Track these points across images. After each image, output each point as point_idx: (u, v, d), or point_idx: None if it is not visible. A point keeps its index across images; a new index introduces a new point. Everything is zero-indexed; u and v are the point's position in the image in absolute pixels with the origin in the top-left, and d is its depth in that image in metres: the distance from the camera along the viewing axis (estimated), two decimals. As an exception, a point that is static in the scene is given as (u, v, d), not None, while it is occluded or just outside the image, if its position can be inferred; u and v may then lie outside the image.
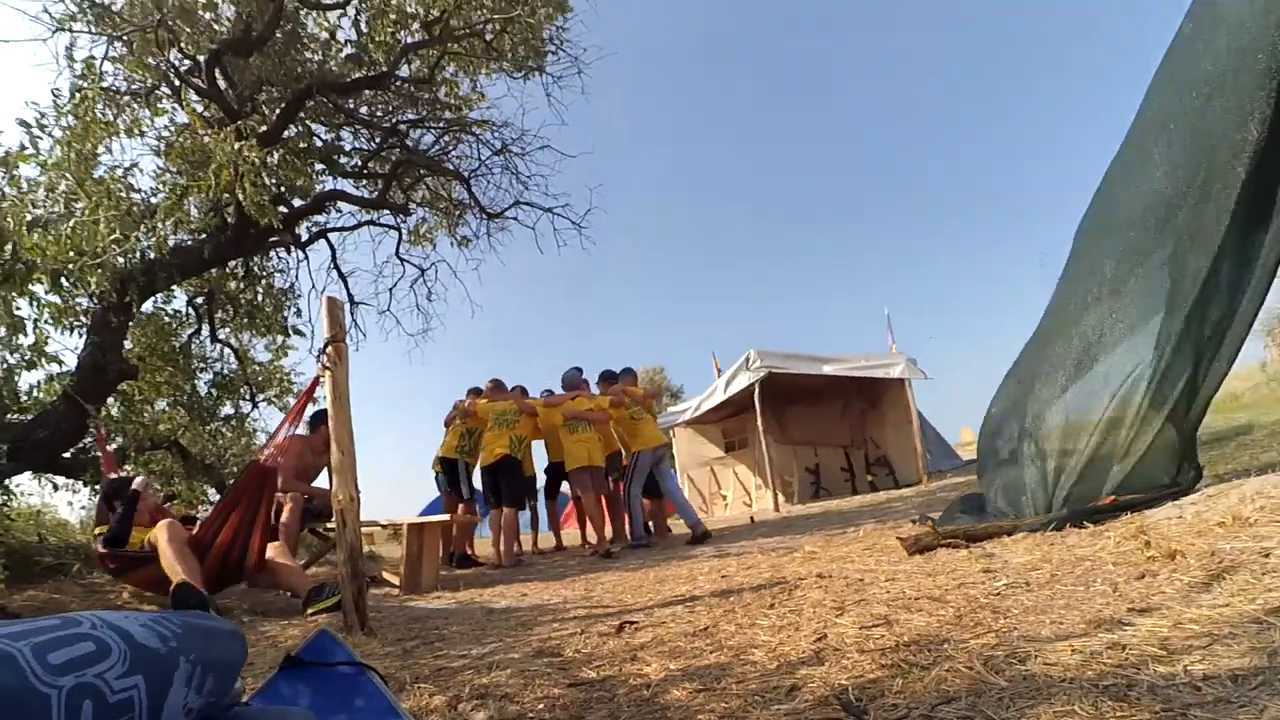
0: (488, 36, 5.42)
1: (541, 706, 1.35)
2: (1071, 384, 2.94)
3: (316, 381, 2.86)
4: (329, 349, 2.42)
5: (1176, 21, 2.52)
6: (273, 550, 3.21)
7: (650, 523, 6.16)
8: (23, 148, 3.80)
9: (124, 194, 4.27)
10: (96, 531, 3.32)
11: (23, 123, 3.96)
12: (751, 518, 7.63)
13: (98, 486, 5.58)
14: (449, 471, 5.64)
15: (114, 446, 5.22)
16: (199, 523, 3.15)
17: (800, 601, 2.00)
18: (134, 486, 3.42)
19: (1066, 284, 3.14)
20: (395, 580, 3.98)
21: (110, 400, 5.42)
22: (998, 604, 1.57)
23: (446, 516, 4.60)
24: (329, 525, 4.04)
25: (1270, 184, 2.21)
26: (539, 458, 6.26)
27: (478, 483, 5.71)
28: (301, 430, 4.38)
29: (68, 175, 4.00)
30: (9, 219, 3.40)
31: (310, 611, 2.89)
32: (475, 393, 5.92)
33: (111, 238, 3.36)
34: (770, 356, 8.76)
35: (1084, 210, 3.06)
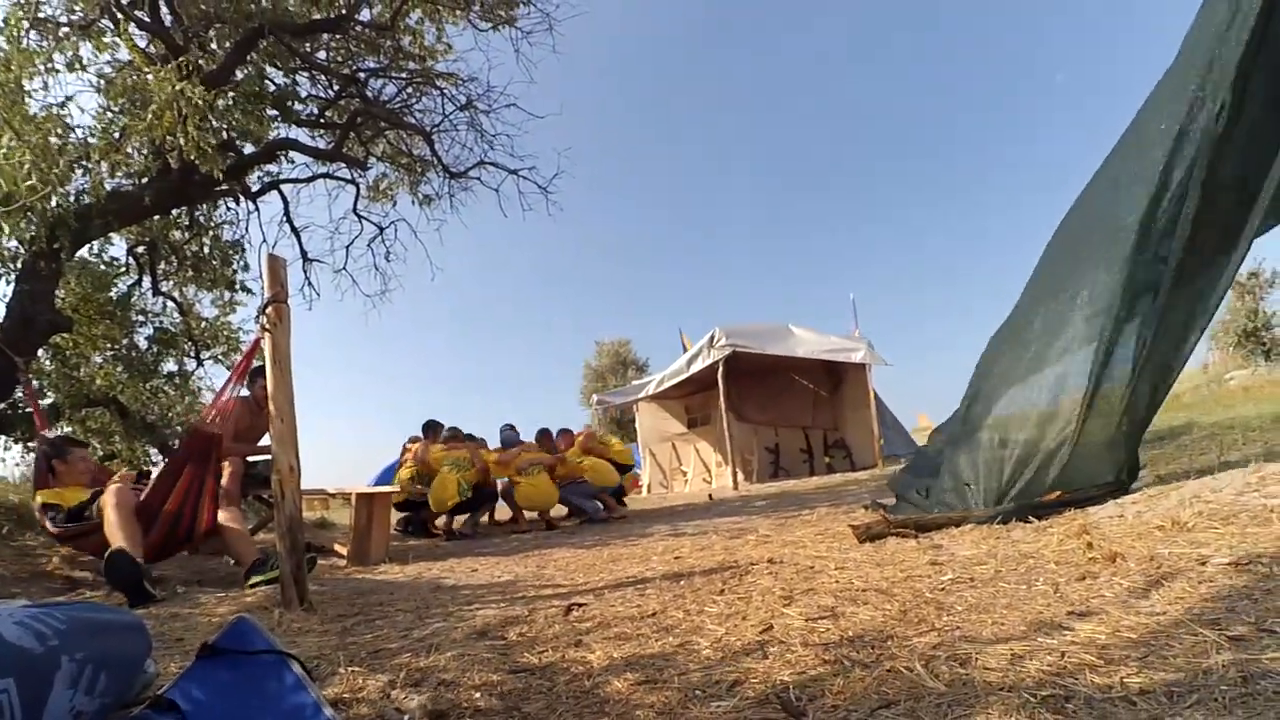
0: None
1: (478, 695, 1.30)
2: (1027, 376, 2.99)
3: (258, 343, 2.71)
4: (269, 309, 2.28)
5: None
6: (225, 515, 3.11)
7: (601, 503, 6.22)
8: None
9: (59, 133, 3.95)
10: (39, 500, 3.18)
11: None
12: (710, 495, 7.71)
13: (30, 444, 5.30)
14: (411, 509, 5.69)
15: (45, 402, 4.95)
16: (147, 488, 3.01)
17: (750, 588, 1.99)
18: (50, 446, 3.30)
19: (1034, 278, 3.17)
20: (344, 552, 3.88)
21: (41, 353, 5.12)
22: (942, 599, 1.58)
23: (397, 487, 4.50)
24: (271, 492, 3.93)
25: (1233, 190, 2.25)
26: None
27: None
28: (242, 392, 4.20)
29: (-3, 108, 3.66)
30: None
31: (250, 584, 2.79)
32: (430, 429, 5.99)
33: (27, 183, 3.08)
34: (736, 334, 8.76)
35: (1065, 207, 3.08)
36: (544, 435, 6.26)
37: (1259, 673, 0.92)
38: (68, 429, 6.09)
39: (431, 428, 6.01)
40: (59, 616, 0.67)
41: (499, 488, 6.06)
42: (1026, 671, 1.05)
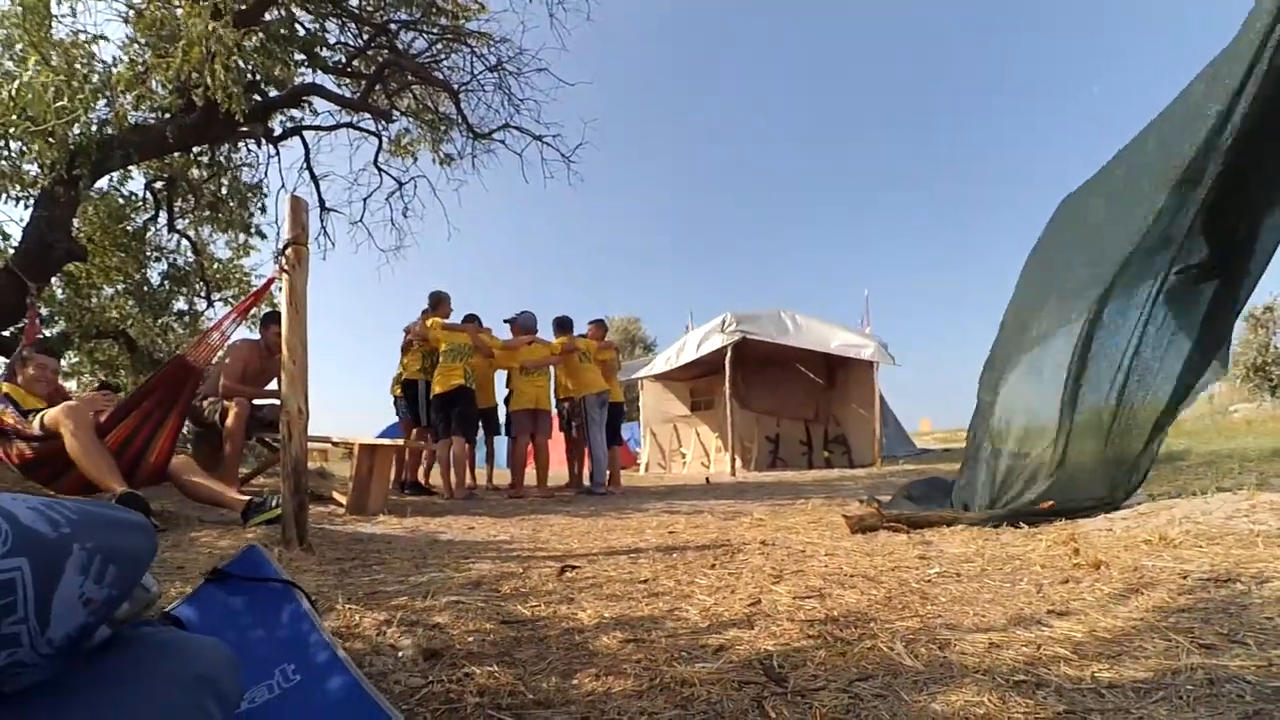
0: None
1: (471, 640, 1.35)
2: (1026, 388, 3.01)
3: (270, 283, 2.72)
4: (288, 251, 2.30)
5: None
6: (180, 464, 2.97)
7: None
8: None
9: (84, 60, 3.94)
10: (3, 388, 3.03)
11: None
12: (707, 479, 7.78)
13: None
14: (410, 394, 5.55)
15: (55, 330, 5.01)
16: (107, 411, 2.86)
17: (741, 565, 2.04)
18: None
19: (1029, 285, 3.17)
20: (343, 500, 3.95)
21: (55, 281, 5.16)
22: (927, 590, 1.62)
23: (401, 441, 4.55)
24: (278, 436, 3.96)
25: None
26: (500, 388, 6.18)
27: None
28: (253, 336, 4.23)
29: (21, 32, 3.66)
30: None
31: (251, 523, 2.84)
32: (438, 301, 5.70)
33: (58, 104, 3.09)
34: (746, 320, 8.76)
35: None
36: (562, 324, 5.96)
37: (1224, 677, 0.95)
38: (75, 359, 6.17)
39: (439, 300, 5.60)
40: (70, 507, 0.70)
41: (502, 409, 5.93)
42: (1002, 659, 1.09)
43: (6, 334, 4.79)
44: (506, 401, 5.90)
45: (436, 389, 5.22)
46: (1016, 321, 3.15)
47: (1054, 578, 1.66)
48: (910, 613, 1.42)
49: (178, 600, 1.23)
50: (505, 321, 5.93)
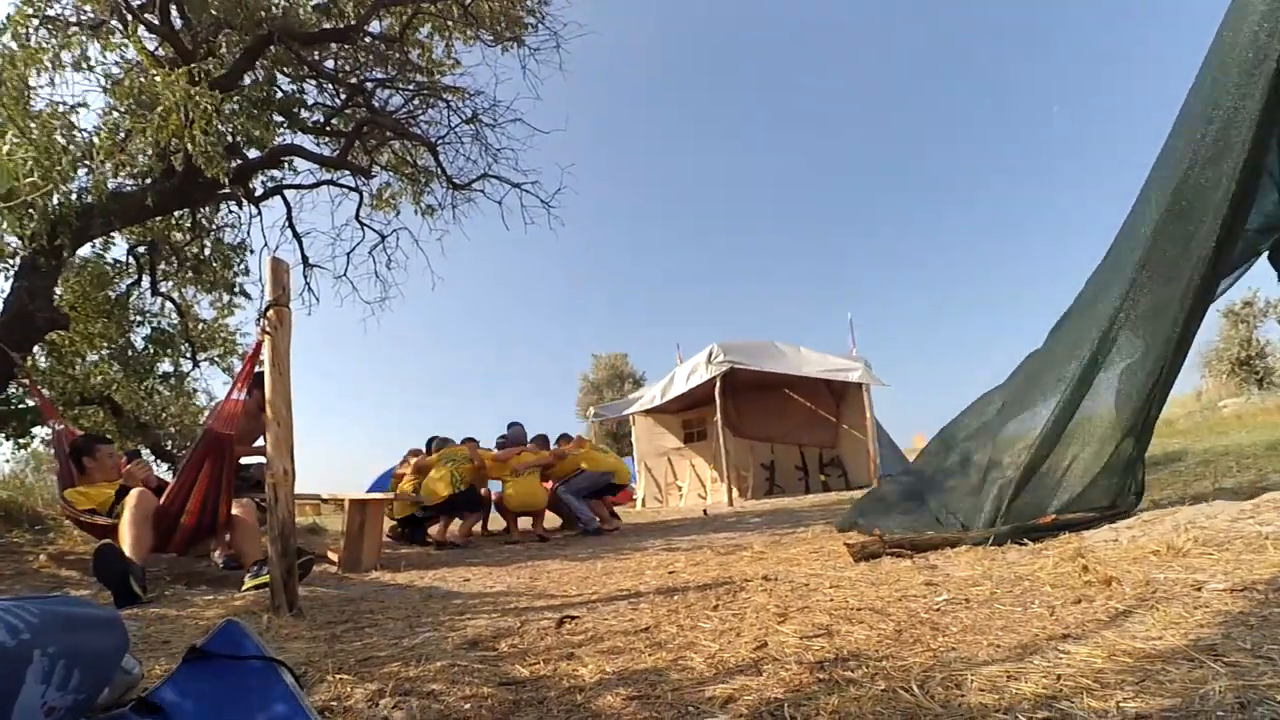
0: (465, 1, 5.20)
1: (468, 707, 1.28)
2: (1027, 401, 3.00)
3: (260, 346, 2.70)
4: (270, 312, 2.28)
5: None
6: (239, 509, 3.15)
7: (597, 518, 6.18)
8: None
9: (62, 131, 3.97)
10: (69, 498, 3.29)
11: None
12: (705, 511, 7.68)
13: (21, 440, 5.26)
14: (413, 524, 5.57)
15: (48, 394, 4.94)
16: (165, 492, 3.03)
17: (744, 605, 1.98)
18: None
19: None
20: (335, 558, 3.85)
21: (37, 350, 5.10)
22: (937, 620, 1.57)
23: (391, 495, 4.48)
24: (264, 496, 3.87)
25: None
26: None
27: None
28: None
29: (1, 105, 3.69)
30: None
31: (244, 589, 2.78)
32: (417, 453, 5.98)
33: (29, 180, 3.09)
34: (733, 350, 8.79)
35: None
36: (541, 440, 6.20)
37: (1256, 699, 0.91)
38: (59, 427, 6.05)
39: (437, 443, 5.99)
40: (32, 610, 0.65)
41: (493, 497, 6.02)
42: (1022, 693, 1.05)
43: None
44: (498, 504, 5.99)
45: (430, 502, 5.24)
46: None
47: (1065, 598, 1.62)
48: (922, 647, 1.37)
49: (163, 678, 1.17)
50: (499, 440, 6.19)
